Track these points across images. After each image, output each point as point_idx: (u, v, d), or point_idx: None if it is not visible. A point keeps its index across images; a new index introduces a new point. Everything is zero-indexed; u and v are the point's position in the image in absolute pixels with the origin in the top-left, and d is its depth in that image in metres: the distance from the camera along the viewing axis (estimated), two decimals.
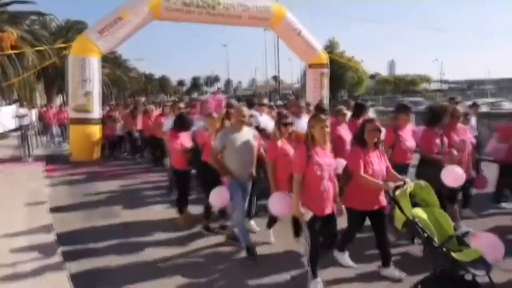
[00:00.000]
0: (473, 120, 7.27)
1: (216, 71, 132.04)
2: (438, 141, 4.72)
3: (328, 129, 3.52)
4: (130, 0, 12.04)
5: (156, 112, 10.66)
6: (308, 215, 3.39)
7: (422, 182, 3.58)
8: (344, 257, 4.13)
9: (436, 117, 4.84)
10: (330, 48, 37.50)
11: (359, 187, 3.69)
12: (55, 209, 6.43)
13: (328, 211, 3.53)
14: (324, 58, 16.07)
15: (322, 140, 3.48)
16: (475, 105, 8.35)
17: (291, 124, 4.53)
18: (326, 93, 16.11)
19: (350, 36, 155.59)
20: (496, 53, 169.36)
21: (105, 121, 12.33)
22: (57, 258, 4.36)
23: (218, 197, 4.53)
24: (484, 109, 20.89)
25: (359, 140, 3.79)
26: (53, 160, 11.80)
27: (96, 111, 11.86)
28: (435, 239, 3.24)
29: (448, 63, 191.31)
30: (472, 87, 56.72)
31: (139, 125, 11.20)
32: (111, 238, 5.18)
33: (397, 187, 3.52)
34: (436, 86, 60.53)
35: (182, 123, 5.66)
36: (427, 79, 60.34)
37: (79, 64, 11.44)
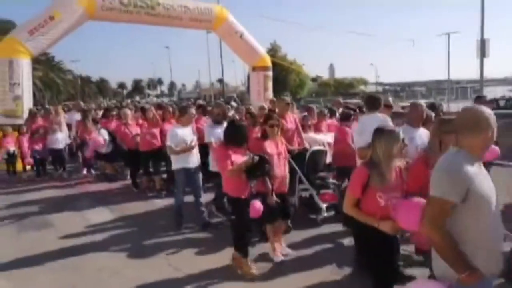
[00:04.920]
0: None
1: (158, 73, 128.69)
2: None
3: None
4: None
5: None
6: None
7: None
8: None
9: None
10: (272, 51, 38.14)
11: None
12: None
13: None
14: (267, 61, 16.33)
15: None
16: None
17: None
18: (270, 95, 16.36)
19: (291, 40, 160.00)
20: (426, 55, 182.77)
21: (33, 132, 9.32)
22: None
23: None
24: None
25: None
26: None
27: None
28: None
29: (383, 66, 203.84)
30: (404, 89, 60.73)
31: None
32: None
33: None
34: (373, 89, 64.25)
35: (237, 136, 3.84)
36: (364, 82, 63.98)
37: (7, 67, 10.70)
